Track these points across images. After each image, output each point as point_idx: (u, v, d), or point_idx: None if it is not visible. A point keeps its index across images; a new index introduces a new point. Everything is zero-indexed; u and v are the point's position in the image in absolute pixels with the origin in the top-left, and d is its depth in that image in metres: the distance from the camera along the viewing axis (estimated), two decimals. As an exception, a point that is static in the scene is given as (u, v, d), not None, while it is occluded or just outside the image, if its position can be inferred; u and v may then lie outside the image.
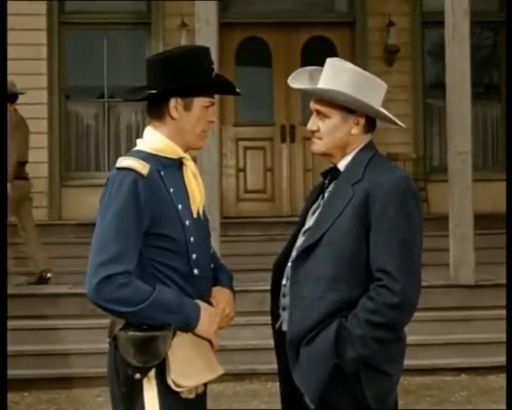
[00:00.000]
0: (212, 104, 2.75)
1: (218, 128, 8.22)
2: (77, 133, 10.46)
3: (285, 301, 2.75)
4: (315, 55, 9.64)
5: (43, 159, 9.96)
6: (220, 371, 2.72)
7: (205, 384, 2.72)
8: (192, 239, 2.66)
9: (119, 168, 2.62)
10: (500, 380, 6.36)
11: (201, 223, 2.76)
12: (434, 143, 10.71)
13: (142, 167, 2.60)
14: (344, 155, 2.79)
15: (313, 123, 2.79)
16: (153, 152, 2.69)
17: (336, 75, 2.75)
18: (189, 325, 2.61)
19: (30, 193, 7.98)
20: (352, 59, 9.14)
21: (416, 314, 2.69)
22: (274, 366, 2.86)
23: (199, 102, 2.71)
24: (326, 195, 2.80)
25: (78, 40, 10.39)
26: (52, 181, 10.06)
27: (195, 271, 2.67)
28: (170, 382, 2.57)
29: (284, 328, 2.73)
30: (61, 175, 10.17)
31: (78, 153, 10.46)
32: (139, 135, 3.11)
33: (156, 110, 2.73)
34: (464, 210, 7.23)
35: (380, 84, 2.81)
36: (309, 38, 10.53)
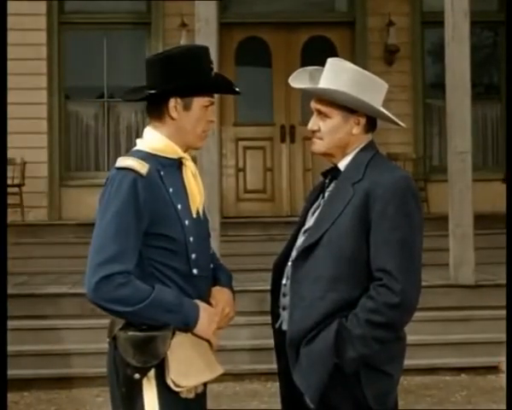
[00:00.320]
0: (212, 104, 2.75)
1: (218, 128, 8.22)
2: (77, 133, 10.47)
3: (285, 300, 2.75)
4: (315, 55, 9.65)
5: (43, 159, 9.97)
6: (220, 370, 2.72)
7: (204, 384, 2.72)
8: (191, 239, 2.65)
9: (119, 168, 2.62)
10: (500, 380, 6.36)
11: (201, 223, 2.75)
12: (434, 143, 10.72)
13: (142, 167, 2.60)
14: (344, 154, 2.79)
15: (314, 123, 2.79)
16: (152, 152, 2.68)
17: (337, 75, 2.75)
18: (188, 325, 2.61)
19: None
20: (352, 59, 9.13)
21: (416, 314, 2.68)
22: (274, 366, 2.86)
23: (198, 102, 2.70)
24: (326, 194, 2.80)
25: (78, 40, 10.40)
26: (52, 181, 10.07)
27: (195, 271, 2.67)
28: (169, 382, 2.57)
29: (284, 328, 2.73)
30: (61, 175, 10.17)
31: (77, 153, 10.46)
32: (139, 135, 3.11)
33: (156, 110, 2.72)
34: (464, 210, 7.23)
35: (380, 84, 2.81)
36: (309, 37, 10.54)
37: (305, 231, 2.78)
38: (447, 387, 6.43)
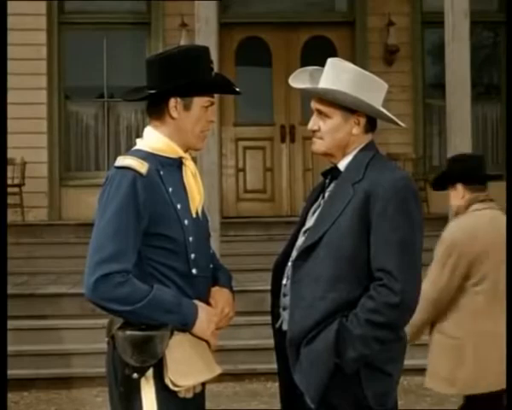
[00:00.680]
0: (212, 104, 2.75)
1: (218, 128, 8.22)
2: (76, 133, 10.47)
3: (285, 300, 2.75)
4: (315, 55, 9.65)
5: (43, 159, 9.97)
6: (218, 370, 2.72)
7: (203, 384, 2.71)
8: (191, 239, 2.65)
9: (118, 167, 2.62)
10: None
11: (201, 223, 2.75)
12: (434, 143, 10.71)
13: (141, 166, 2.59)
14: (344, 154, 2.79)
15: (314, 123, 2.79)
16: (152, 151, 2.68)
17: (337, 75, 2.75)
18: (186, 325, 2.60)
19: None
20: (352, 59, 9.14)
21: (417, 314, 2.69)
22: (274, 366, 2.86)
23: (198, 102, 2.70)
24: (326, 194, 2.80)
25: (78, 40, 10.39)
26: (52, 181, 10.07)
27: (194, 271, 2.67)
28: (168, 381, 2.56)
29: (284, 328, 2.73)
30: (61, 175, 10.18)
31: (77, 153, 10.46)
32: (139, 135, 3.11)
33: (156, 110, 2.72)
34: (464, 210, 7.21)
35: (380, 84, 2.81)
36: (309, 37, 10.54)
37: (305, 231, 2.78)
38: (447, 387, 6.42)
